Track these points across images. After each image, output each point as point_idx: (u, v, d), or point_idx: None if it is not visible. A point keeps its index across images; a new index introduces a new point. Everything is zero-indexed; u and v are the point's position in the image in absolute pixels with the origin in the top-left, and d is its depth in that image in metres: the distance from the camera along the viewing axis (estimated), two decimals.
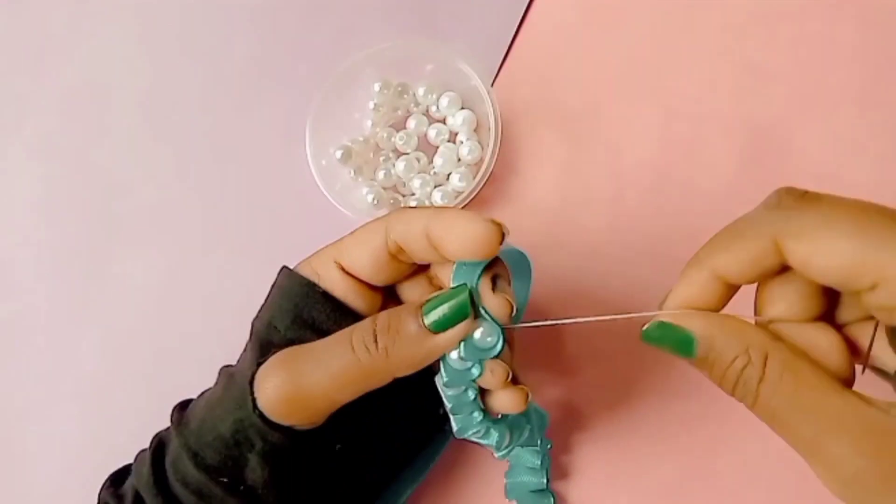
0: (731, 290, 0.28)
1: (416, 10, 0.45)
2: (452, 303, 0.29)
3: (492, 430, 0.31)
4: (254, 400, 0.30)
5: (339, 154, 0.42)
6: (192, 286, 0.44)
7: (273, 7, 0.46)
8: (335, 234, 0.43)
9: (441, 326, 0.29)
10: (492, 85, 0.44)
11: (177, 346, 0.43)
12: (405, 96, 0.43)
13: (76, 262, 0.44)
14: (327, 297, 0.32)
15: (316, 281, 0.32)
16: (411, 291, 0.33)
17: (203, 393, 0.35)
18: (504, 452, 0.32)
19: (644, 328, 0.28)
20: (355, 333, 0.29)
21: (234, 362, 0.42)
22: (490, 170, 0.41)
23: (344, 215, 0.41)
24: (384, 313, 0.30)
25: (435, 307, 0.29)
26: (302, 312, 0.32)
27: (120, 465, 0.37)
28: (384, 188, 0.43)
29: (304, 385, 0.29)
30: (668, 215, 0.42)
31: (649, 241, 0.42)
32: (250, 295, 0.43)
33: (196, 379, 0.43)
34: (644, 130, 0.43)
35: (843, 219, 0.25)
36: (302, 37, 0.45)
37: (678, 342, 0.27)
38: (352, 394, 0.30)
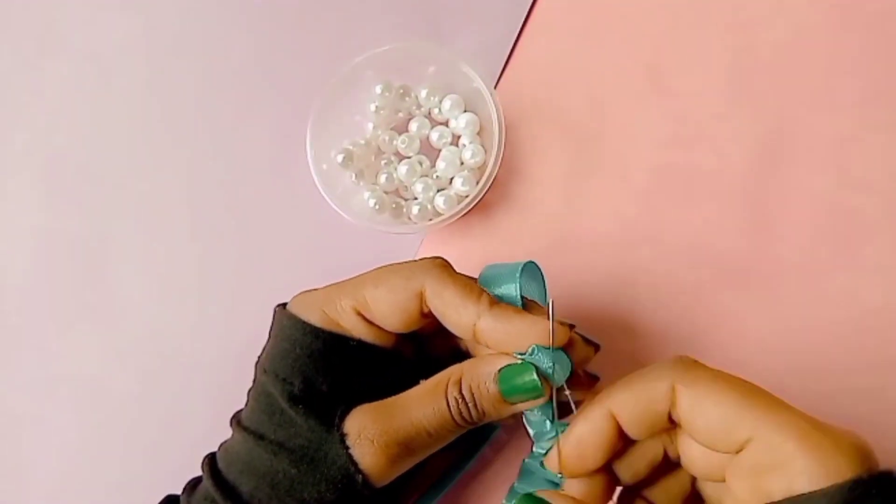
0: (620, 436, 0.30)
1: (418, 12, 0.44)
2: (524, 382, 0.30)
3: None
4: (356, 467, 0.30)
5: (339, 158, 0.41)
6: (192, 291, 0.43)
7: (273, 9, 0.45)
8: (336, 238, 0.43)
9: (514, 396, 0.31)
10: (495, 87, 0.44)
11: (175, 352, 0.43)
12: (407, 99, 0.43)
13: (74, 268, 0.44)
14: (361, 349, 0.33)
15: (339, 332, 0.32)
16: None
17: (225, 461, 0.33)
18: None
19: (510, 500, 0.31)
20: (452, 406, 0.31)
21: (232, 367, 0.42)
22: (494, 173, 0.40)
23: (345, 220, 0.40)
24: (464, 379, 0.31)
25: (507, 379, 0.31)
26: (342, 370, 0.32)
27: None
28: (386, 192, 0.42)
29: (415, 453, 0.31)
30: (673, 218, 0.42)
31: (654, 244, 0.42)
32: (251, 300, 0.43)
33: (194, 383, 0.42)
34: (649, 132, 0.43)
35: (731, 381, 0.28)
36: (303, 39, 0.45)
37: None
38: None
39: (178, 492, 0.34)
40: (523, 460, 0.37)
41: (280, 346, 0.33)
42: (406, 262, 0.33)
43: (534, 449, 0.34)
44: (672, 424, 0.29)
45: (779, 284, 0.41)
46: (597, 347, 0.34)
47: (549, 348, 0.30)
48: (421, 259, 0.33)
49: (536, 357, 0.30)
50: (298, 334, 0.32)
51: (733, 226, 0.42)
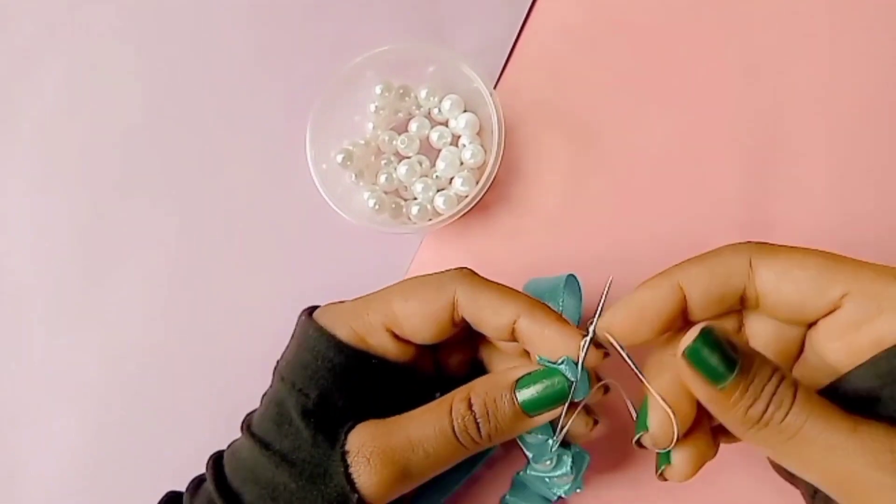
0: (682, 313, 0.28)
1: (418, 12, 0.44)
2: (549, 387, 0.29)
3: (564, 458, 0.32)
4: (353, 486, 0.30)
5: (339, 158, 0.41)
6: (191, 291, 0.43)
7: (273, 9, 0.45)
8: (336, 239, 0.43)
9: (534, 407, 0.30)
10: (494, 87, 0.44)
11: (176, 352, 0.43)
12: (407, 99, 0.43)
13: (75, 268, 0.44)
14: (381, 366, 0.32)
15: (364, 348, 0.32)
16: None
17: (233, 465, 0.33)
18: (571, 484, 0.33)
19: (692, 341, 0.25)
20: (457, 424, 0.30)
21: (232, 367, 0.42)
22: (493, 174, 0.40)
23: (345, 220, 0.40)
24: (476, 393, 0.30)
25: (528, 385, 0.30)
26: (359, 386, 0.32)
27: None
28: (385, 192, 0.42)
29: (412, 475, 0.30)
30: (673, 219, 0.42)
31: (654, 244, 0.42)
32: (250, 299, 0.43)
33: (193, 383, 0.42)
34: (648, 132, 0.43)
35: (810, 250, 0.27)
36: (302, 39, 0.45)
37: (721, 357, 0.25)
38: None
39: (178, 489, 0.34)
40: (516, 473, 0.37)
41: (302, 356, 0.32)
42: (433, 274, 0.33)
43: (528, 471, 0.34)
44: (741, 306, 0.28)
45: None
46: (606, 390, 0.33)
47: (576, 364, 0.30)
48: (446, 270, 0.33)
49: (564, 368, 0.30)
50: (322, 347, 0.32)
51: (733, 225, 0.41)
